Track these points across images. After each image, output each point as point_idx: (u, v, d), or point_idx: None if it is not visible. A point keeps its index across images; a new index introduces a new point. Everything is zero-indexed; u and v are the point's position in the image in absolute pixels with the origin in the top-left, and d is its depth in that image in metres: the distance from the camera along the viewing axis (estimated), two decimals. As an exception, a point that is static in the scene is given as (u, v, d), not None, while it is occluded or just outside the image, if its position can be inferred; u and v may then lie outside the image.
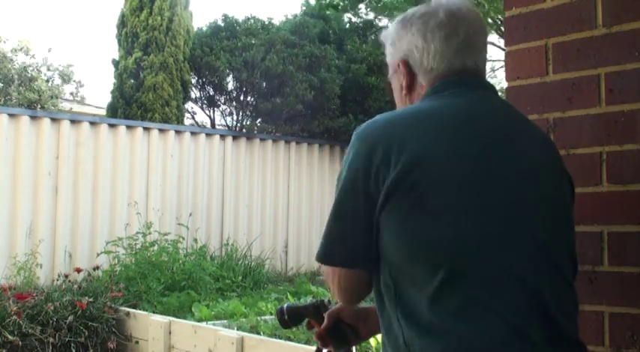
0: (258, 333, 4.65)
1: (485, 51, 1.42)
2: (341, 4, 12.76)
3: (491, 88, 1.41)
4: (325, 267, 1.32)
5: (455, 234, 1.17)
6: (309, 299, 5.90)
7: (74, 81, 12.20)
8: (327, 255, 1.30)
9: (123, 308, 5.16)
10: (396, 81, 1.45)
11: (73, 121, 7.66)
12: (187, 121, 10.90)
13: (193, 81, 10.24)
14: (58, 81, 11.93)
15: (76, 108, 12.94)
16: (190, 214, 8.22)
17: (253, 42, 9.70)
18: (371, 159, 1.23)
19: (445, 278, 1.15)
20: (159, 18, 9.42)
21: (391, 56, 1.46)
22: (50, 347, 4.62)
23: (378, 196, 1.20)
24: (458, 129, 1.26)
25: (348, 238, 1.26)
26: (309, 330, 1.50)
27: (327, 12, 11.56)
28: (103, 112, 10.55)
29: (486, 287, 1.15)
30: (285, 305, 1.51)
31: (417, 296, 1.17)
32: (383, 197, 1.20)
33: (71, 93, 12.50)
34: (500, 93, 1.42)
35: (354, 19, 13.00)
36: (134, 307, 5.37)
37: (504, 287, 1.16)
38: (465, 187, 1.21)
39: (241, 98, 10.32)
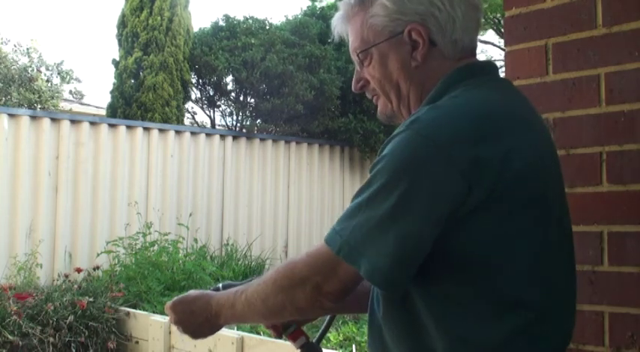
0: (258, 333, 4.65)
1: None
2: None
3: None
4: (329, 255, 1.13)
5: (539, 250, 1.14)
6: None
7: (73, 79, 12.19)
8: (396, 280, 1.10)
9: (123, 308, 5.16)
10: (397, 52, 1.21)
11: (73, 121, 7.65)
12: (187, 121, 10.90)
13: (193, 81, 10.24)
14: (57, 80, 11.93)
15: (76, 108, 12.94)
16: (190, 214, 8.22)
17: (253, 42, 9.69)
18: (463, 164, 1.06)
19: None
20: (159, 18, 9.42)
21: (390, 19, 1.19)
22: (50, 347, 4.62)
23: (465, 205, 1.07)
24: (527, 130, 1.16)
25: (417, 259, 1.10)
26: None
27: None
28: (103, 112, 10.55)
29: (549, 317, 1.15)
30: (221, 283, 1.43)
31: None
32: (471, 206, 1.07)
33: (70, 92, 12.51)
34: None
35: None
36: (134, 307, 5.36)
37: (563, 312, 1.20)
38: (548, 195, 1.16)
39: (241, 98, 10.32)
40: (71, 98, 12.93)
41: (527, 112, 1.22)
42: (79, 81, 12.45)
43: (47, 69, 11.84)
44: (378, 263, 1.08)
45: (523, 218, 1.11)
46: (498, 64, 1.33)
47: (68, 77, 12.01)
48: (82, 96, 12.74)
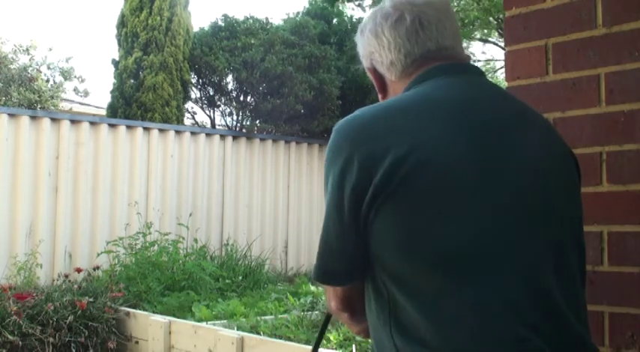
0: (258, 333, 4.65)
1: (454, 29, 1.30)
2: None
3: (477, 70, 1.31)
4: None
5: (456, 237, 1.08)
6: (309, 299, 5.84)
7: (75, 77, 12.17)
8: (331, 271, 1.24)
9: (123, 308, 5.16)
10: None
11: (73, 121, 7.65)
12: (187, 121, 10.89)
13: (193, 81, 10.23)
14: (59, 78, 11.91)
15: (76, 108, 12.92)
16: (190, 214, 8.22)
17: (253, 42, 9.69)
18: (359, 159, 1.12)
19: (444, 287, 1.07)
20: (158, 18, 9.42)
21: (367, 70, 1.38)
22: (50, 347, 4.62)
23: (366, 199, 1.10)
24: (450, 118, 1.15)
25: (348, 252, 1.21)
26: None
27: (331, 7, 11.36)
28: (103, 112, 10.54)
29: (492, 294, 1.07)
30: None
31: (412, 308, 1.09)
32: (372, 200, 1.10)
33: (74, 90, 12.48)
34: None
35: (356, 16, 12.91)
36: (134, 307, 5.36)
37: (512, 291, 1.08)
38: (466, 184, 1.10)
39: (241, 98, 10.32)
40: (75, 96, 12.91)
41: (483, 109, 1.19)
42: (82, 80, 12.43)
43: (49, 68, 11.82)
44: (319, 260, 1.23)
45: (429, 213, 1.08)
46: (499, 64, 1.33)
47: (70, 75, 11.99)
48: (87, 93, 12.73)
